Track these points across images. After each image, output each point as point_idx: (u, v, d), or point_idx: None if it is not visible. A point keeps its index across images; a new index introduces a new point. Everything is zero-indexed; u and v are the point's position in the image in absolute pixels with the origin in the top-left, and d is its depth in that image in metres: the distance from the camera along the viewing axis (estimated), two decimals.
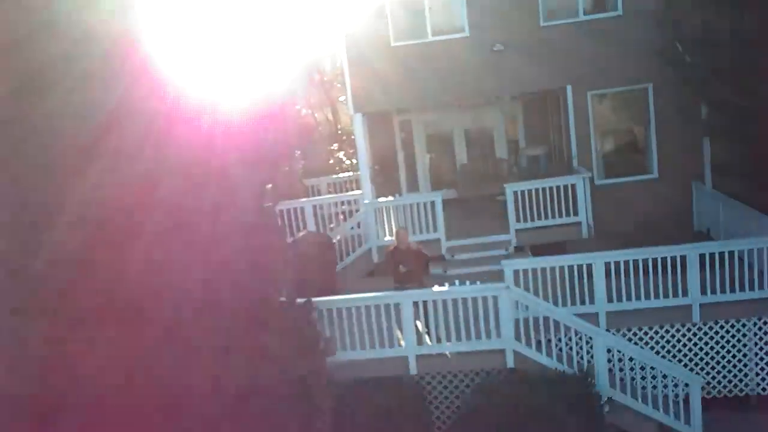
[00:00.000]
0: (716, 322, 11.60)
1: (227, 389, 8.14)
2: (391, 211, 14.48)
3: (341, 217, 16.60)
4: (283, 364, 8.41)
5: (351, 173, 20.32)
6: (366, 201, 15.07)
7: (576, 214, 14.17)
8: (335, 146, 26.08)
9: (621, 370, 10.81)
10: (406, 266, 11.35)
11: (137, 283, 8.19)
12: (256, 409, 8.35)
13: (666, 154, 15.39)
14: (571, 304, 11.53)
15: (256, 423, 8.41)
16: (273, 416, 8.54)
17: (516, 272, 11.41)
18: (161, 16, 8.99)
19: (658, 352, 11.56)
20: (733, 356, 11.63)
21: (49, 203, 6.78)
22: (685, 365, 11.56)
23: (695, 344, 11.66)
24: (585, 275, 11.54)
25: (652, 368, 10.83)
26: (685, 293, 11.49)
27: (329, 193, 19.11)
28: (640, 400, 10.52)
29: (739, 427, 11.13)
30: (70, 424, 7.23)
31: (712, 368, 11.68)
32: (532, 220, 14.17)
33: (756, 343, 11.60)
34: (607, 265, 11.50)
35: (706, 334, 11.63)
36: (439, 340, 10.78)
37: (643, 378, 10.91)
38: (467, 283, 10.87)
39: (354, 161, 20.24)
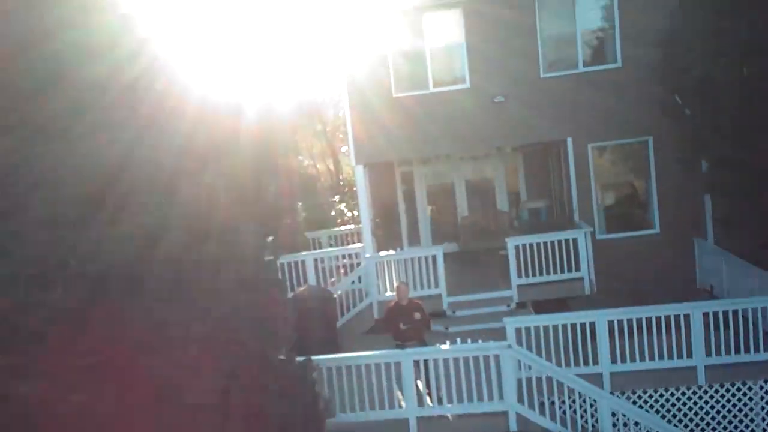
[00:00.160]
0: (722, 385, 11.39)
1: None
2: (393, 265, 14.39)
3: (342, 270, 16.50)
4: (281, 427, 8.21)
5: (352, 226, 20.31)
6: (367, 255, 14.99)
7: (578, 269, 14.08)
8: (337, 198, 26.14)
9: None
10: (407, 323, 11.21)
11: (135, 339, 8.06)
12: None
13: (667, 209, 15.39)
14: (574, 364, 11.34)
15: None
16: None
17: (518, 330, 11.27)
18: (166, 69, 9.07)
19: (663, 416, 11.29)
20: (740, 421, 11.37)
21: (49, 258, 6.69)
22: (691, 430, 11.31)
23: (701, 408, 11.42)
24: (588, 334, 11.39)
25: None
26: (689, 354, 11.31)
27: (330, 246, 19.06)
28: None
29: None
30: None
31: None
32: (534, 275, 14.08)
33: (763, 407, 11.36)
34: (610, 323, 11.36)
35: (711, 397, 11.41)
36: (440, 401, 10.55)
37: None
38: (468, 341, 10.71)
39: (355, 213, 20.25)
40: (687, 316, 11.29)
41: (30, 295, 6.61)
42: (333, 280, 15.79)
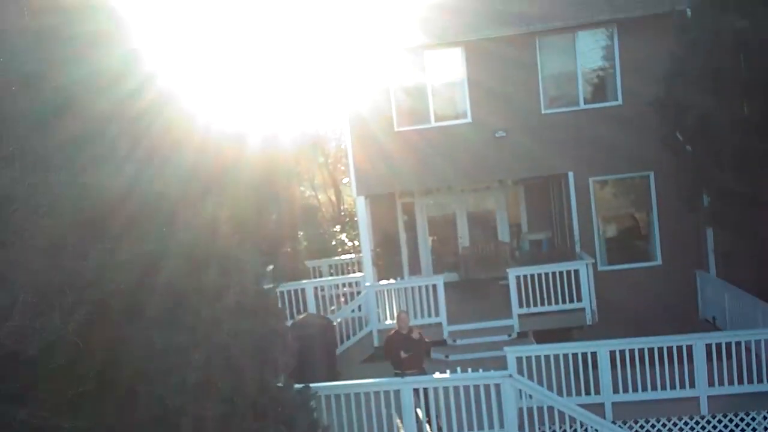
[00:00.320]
0: (725, 415, 11.29)
1: None
2: (393, 294, 14.39)
3: (342, 299, 16.48)
4: None
5: (353, 255, 20.34)
6: (367, 283, 14.98)
7: (579, 300, 14.06)
8: (338, 228, 26.20)
9: None
10: (407, 351, 11.16)
11: (133, 366, 8.04)
12: None
13: (669, 241, 15.42)
14: (576, 394, 11.27)
15: None
16: None
17: (519, 359, 11.21)
18: (171, 101, 9.19)
19: None
20: None
21: (48, 285, 6.70)
22: None
23: None
24: (590, 364, 11.32)
25: None
26: (692, 384, 11.23)
27: (331, 275, 19.07)
28: None
29: None
30: None
31: None
32: (535, 305, 14.06)
33: None
34: (612, 353, 11.31)
35: (714, 428, 11.29)
36: (440, 430, 10.46)
37: None
38: (469, 370, 10.64)
39: (356, 243, 20.29)
40: (690, 347, 11.24)
41: (28, 321, 6.60)
42: (333, 308, 15.77)
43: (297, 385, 9.13)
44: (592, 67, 15.87)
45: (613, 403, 11.31)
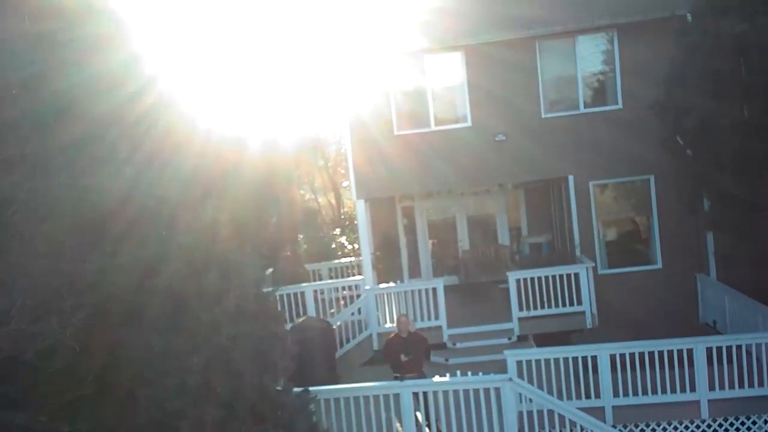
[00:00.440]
0: (725, 419, 11.27)
1: None
2: (393, 297, 14.39)
3: (342, 302, 16.47)
4: None
5: (353, 258, 20.34)
6: (367, 287, 14.97)
7: (579, 303, 14.05)
8: (337, 231, 26.19)
9: None
10: (407, 355, 11.14)
11: (132, 370, 8.03)
12: None
13: (669, 245, 15.40)
14: (576, 397, 11.25)
15: None
16: None
17: (519, 363, 11.20)
18: (171, 105, 9.19)
19: None
20: None
21: (48, 289, 6.68)
22: None
23: None
24: (590, 367, 11.31)
25: None
26: (693, 388, 11.20)
27: (331, 278, 19.07)
28: None
29: None
30: None
31: None
32: (535, 308, 14.05)
33: None
34: (613, 357, 11.29)
35: (715, 431, 11.27)
36: None
37: None
38: (469, 373, 10.62)
39: (356, 246, 20.28)
40: (690, 351, 11.22)
41: (25, 326, 6.58)
42: (333, 311, 15.76)
43: (296, 389, 9.12)
44: (593, 71, 15.87)
45: (613, 407, 11.30)
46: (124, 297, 7.80)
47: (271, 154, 14.34)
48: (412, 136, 15.75)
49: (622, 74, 15.38)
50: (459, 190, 18.35)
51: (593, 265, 14.62)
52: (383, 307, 14.36)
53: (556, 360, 11.31)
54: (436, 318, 14.07)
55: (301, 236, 21.78)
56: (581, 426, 10.30)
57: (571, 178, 15.54)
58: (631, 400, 11.30)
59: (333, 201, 30.88)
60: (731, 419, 11.25)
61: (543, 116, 15.58)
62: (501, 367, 11.13)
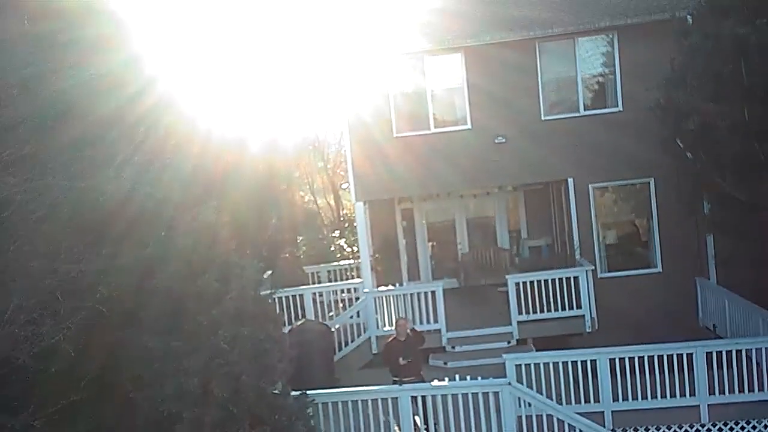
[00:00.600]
0: (725, 424, 11.24)
1: None
2: (392, 300, 14.34)
3: (341, 305, 16.42)
4: None
5: (352, 261, 20.29)
6: (366, 290, 14.93)
7: (579, 307, 14.01)
8: (337, 233, 26.14)
9: None
10: (406, 358, 11.09)
11: (131, 372, 7.99)
12: None
13: (669, 248, 15.37)
14: (575, 402, 11.21)
15: None
16: None
17: (518, 367, 11.16)
18: (171, 106, 9.17)
19: None
20: None
21: (45, 290, 6.64)
22: None
23: None
24: (590, 372, 11.26)
25: None
26: (692, 393, 11.17)
27: (330, 280, 19.02)
28: None
29: None
30: None
31: None
32: (535, 312, 14.00)
33: None
34: (612, 361, 11.25)
35: None
36: None
37: None
38: (468, 377, 10.58)
39: (355, 249, 20.24)
40: (690, 355, 11.19)
41: (19, 329, 6.52)
42: (332, 314, 15.71)
43: (294, 392, 9.07)
44: (593, 73, 15.84)
45: (612, 412, 11.26)
46: (123, 298, 7.76)
47: (271, 155, 14.31)
48: (411, 137, 15.71)
49: (622, 76, 15.35)
50: (459, 192, 18.31)
51: (593, 268, 14.58)
52: (382, 310, 14.32)
53: (556, 364, 11.28)
54: (435, 321, 14.03)
55: (301, 238, 21.74)
56: (580, 430, 10.25)
57: (570, 180, 15.51)
58: (631, 405, 11.26)
59: (332, 203, 30.85)
60: (731, 423, 11.22)
61: (543, 118, 15.55)
62: (500, 371, 11.08)
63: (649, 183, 15.54)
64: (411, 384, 10.69)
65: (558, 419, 10.35)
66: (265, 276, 12.96)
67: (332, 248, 24.71)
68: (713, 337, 13.90)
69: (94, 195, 7.45)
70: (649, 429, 11.33)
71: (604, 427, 10.78)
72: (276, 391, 8.64)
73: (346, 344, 14.34)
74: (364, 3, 17.51)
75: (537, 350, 13.15)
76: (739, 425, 11.21)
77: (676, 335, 12.18)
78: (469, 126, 15.69)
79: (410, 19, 16.34)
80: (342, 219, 28.42)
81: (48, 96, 7.26)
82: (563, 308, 13.98)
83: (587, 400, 11.28)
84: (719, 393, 11.14)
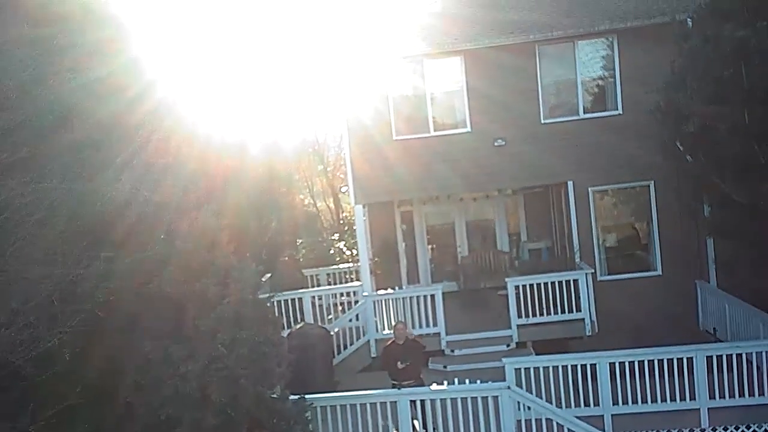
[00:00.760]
0: (725, 428, 11.19)
1: None
2: (391, 303, 14.30)
3: (340, 308, 16.40)
4: None
5: (351, 264, 20.26)
6: (365, 293, 14.90)
7: (579, 310, 13.97)
8: (336, 236, 26.11)
9: None
10: (404, 362, 11.07)
11: (129, 377, 7.97)
12: None
13: (669, 251, 15.34)
14: (575, 405, 11.19)
15: None
16: None
17: (517, 370, 11.13)
18: (172, 110, 9.16)
19: None
20: None
21: (42, 295, 6.61)
22: None
23: None
24: (589, 375, 11.23)
25: None
26: (692, 397, 11.13)
27: (329, 284, 19.00)
28: None
29: None
30: None
31: None
32: (534, 315, 13.97)
33: None
34: (612, 365, 11.21)
35: None
36: None
37: None
38: (467, 381, 10.55)
39: (355, 252, 20.21)
40: (690, 359, 11.15)
41: (14, 334, 6.49)
42: (331, 317, 15.69)
43: (293, 396, 9.05)
44: (592, 76, 15.82)
45: (612, 415, 11.22)
46: (122, 302, 7.75)
47: (271, 158, 14.31)
48: (411, 140, 15.69)
49: (622, 79, 15.35)
50: (458, 195, 18.29)
51: (593, 271, 14.55)
52: (381, 313, 14.29)
53: (555, 368, 11.24)
54: (435, 325, 14.00)
55: (300, 241, 21.71)
56: None
57: (570, 183, 15.49)
58: (631, 409, 11.23)
59: (332, 206, 30.82)
60: (731, 428, 11.18)
61: (543, 121, 15.54)
62: (500, 374, 11.05)
63: (649, 186, 15.52)
64: (410, 388, 10.66)
65: (558, 423, 10.32)
66: (264, 279, 12.96)
67: (332, 251, 24.66)
68: (713, 340, 13.88)
69: (92, 198, 7.44)
70: None
71: (603, 431, 10.76)
72: (274, 395, 8.62)
73: (345, 347, 14.30)
74: (364, 7, 17.51)
75: (537, 353, 13.11)
76: (740, 429, 11.16)
77: (676, 338, 12.16)
78: (468, 129, 15.68)
79: (410, 23, 16.35)
80: (341, 222, 28.37)
81: (47, 99, 7.25)
82: (563, 311, 13.94)
83: (587, 404, 11.26)
84: (719, 397, 11.10)
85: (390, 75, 15.79)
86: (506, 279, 14.32)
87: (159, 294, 8.14)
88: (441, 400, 10.26)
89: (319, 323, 14.94)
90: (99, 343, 7.67)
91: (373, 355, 14.09)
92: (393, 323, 13.02)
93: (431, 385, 10.66)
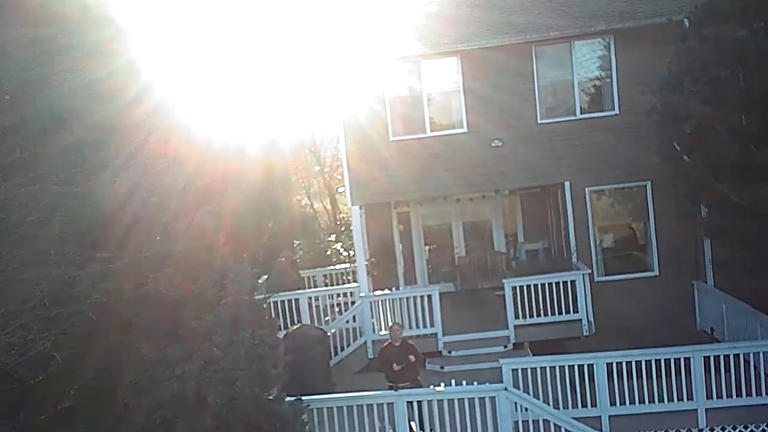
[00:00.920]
0: (723, 428, 11.20)
1: None
2: (388, 304, 14.29)
3: (337, 309, 16.37)
4: None
5: (348, 265, 20.23)
6: (362, 294, 14.87)
7: (576, 311, 13.97)
8: (333, 237, 26.08)
9: None
10: (400, 364, 11.04)
11: (125, 379, 7.94)
12: None
13: (666, 252, 15.35)
14: (572, 406, 11.18)
15: None
16: None
17: (515, 371, 11.10)
18: (169, 112, 9.13)
19: None
20: None
21: (36, 297, 6.58)
22: None
23: None
24: (587, 376, 11.22)
25: None
26: (690, 397, 11.13)
27: (326, 284, 18.97)
28: None
29: None
30: None
31: None
32: (531, 316, 13.96)
33: None
34: (609, 366, 11.20)
35: None
36: None
37: None
38: (464, 382, 10.55)
39: (351, 253, 20.20)
40: (688, 359, 11.15)
41: (15, 333, 6.47)
42: (327, 318, 15.66)
43: (289, 398, 9.03)
44: (589, 77, 15.82)
45: (610, 416, 11.21)
46: (118, 304, 7.72)
47: (268, 160, 14.31)
48: (407, 141, 15.67)
49: (618, 80, 15.36)
50: (455, 196, 18.27)
51: (590, 271, 14.56)
52: (378, 314, 14.28)
53: (552, 368, 11.23)
54: (432, 325, 13.98)
55: (297, 242, 21.68)
56: None
57: (567, 184, 15.49)
58: (628, 409, 11.21)
59: (329, 207, 30.78)
60: (729, 428, 11.18)
61: (539, 122, 15.53)
62: (497, 375, 11.04)
63: (645, 186, 15.52)
64: (407, 390, 10.64)
65: (555, 424, 10.32)
66: (260, 281, 12.95)
67: (329, 252, 24.64)
68: (711, 340, 13.89)
69: (90, 200, 7.42)
70: None
71: (601, 431, 10.74)
72: (271, 397, 8.60)
73: (342, 349, 14.28)
74: (360, 7, 17.52)
75: (534, 354, 13.10)
76: (737, 429, 11.17)
77: (673, 339, 12.16)
78: (465, 129, 15.66)
79: (406, 24, 16.33)
80: (338, 223, 28.32)
81: (46, 100, 7.23)
82: (560, 312, 13.94)
83: (584, 405, 11.24)
84: (717, 397, 11.10)
85: (386, 76, 15.77)
86: (503, 280, 14.31)
87: (156, 295, 8.12)
88: (438, 401, 10.25)
89: (316, 324, 14.91)
90: (95, 344, 7.64)
91: (370, 357, 14.06)
92: (390, 324, 13.00)
93: (428, 386, 10.64)
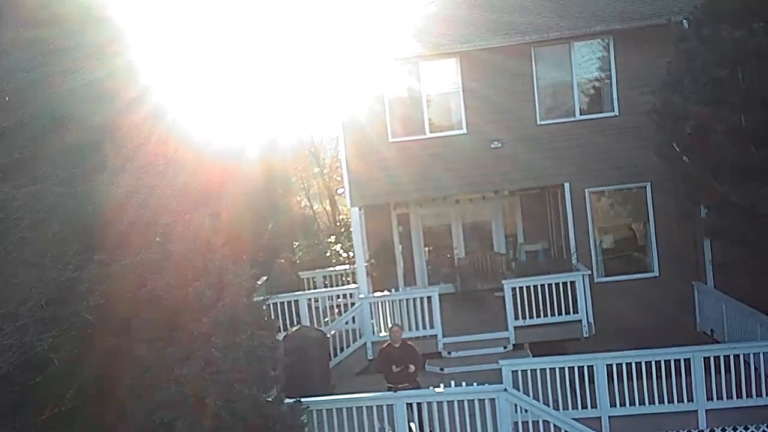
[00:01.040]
0: (723, 429, 11.17)
1: None
2: (387, 305, 14.27)
3: (337, 310, 16.35)
4: None
5: (348, 266, 20.21)
6: (361, 295, 14.86)
7: (576, 312, 13.95)
8: (333, 238, 26.06)
9: None
10: (400, 365, 11.01)
11: (123, 381, 7.93)
12: None
13: (666, 252, 15.33)
14: (572, 407, 11.16)
15: None
16: None
17: (514, 372, 11.09)
18: (168, 114, 9.13)
19: None
20: None
21: (33, 299, 6.56)
22: None
23: None
24: (586, 377, 11.21)
25: None
26: (690, 398, 11.11)
27: (325, 286, 18.95)
28: None
29: None
30: None
31: None
32: (531, 317, 13.94)
33: None
34: (609, 367, 11.19)
35: None
36: None
37: None
38: (464, 383, 10.52)
39: (351, 254, 20.18)
40: (688, 360, 11.14)
41: (12, 335, 6.45)
42: (327, 319, 15.64)
43: (288, 400, 9.01)
44: (588, 78, 15.81)
45: (610, 417, 11.19)
46: (116, 306, 7.71)
47: (267, 161, 14.29)
48: (407, 142, 15.66)
49: (618, 80, 15.35)
50: (455, 197, 18.26)
51: (589, 272, 14.54)
52: (378, 315, 14.26)
53: (552, 369, 11.21)
54: (432, 327, 13.96)
55: (297, 243, 21.66)
56: None
57: (567, 185, 15.47)
58: (628, 410, 11.20)
59: (328, 208, 30.77)
60: (729, 429, 11.16)
61: (539, 123, 15.52)
62: (497, 377, 11.02)
63: (645, 187, 15.51)
64: (406, 391, 10.61)
65: (555, 425, 10.29)
66: (259, 282, 12.91)
67: (328, 253, 24.62)
68: (711, 341, 13.87)
69: (88, 200, 7.40)
70: None
71: None
72: (270, 399, 8.58)
73: (342, 350, 14.25)
74: (360, 8, 17.51)
75: (534, 355, 13.08)
76: (737, 431, 11.15)
77: (673, 340, 12.13)
78: (464, 131, 15.65)
79: (405, 25, 16.32)
80: (338, 224, 28.31)
81: (45, 101, 7.22)
82: (560, 313, 13.92)
83: (584, 406, 11.22)
84: (717, 398, 11.08)
85: (386, 77, 15.76)
86: (503, 281, 14.29)
87: (154, 297, 8.11)
88: (438, 402, 10.22)
89: (316, 326, 14.90)
90: (94, 346, 7.63)
91: (369, 358, 14.05)
92: (389, 325, 12.98)
93: (428, 387, 10.62)
